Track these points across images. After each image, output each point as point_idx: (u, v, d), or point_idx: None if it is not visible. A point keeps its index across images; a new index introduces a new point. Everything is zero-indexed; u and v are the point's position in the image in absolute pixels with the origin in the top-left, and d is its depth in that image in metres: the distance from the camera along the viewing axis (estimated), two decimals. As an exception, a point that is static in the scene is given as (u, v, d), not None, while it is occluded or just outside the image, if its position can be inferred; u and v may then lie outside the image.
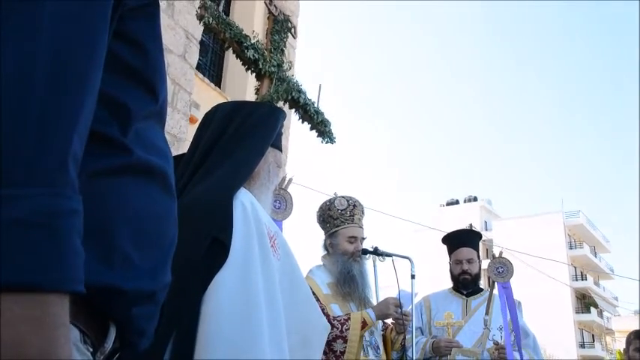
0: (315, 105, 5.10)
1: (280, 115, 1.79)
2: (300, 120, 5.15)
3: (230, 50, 4.72)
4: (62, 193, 0.47)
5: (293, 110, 5.16)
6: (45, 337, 0.44)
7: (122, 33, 0.61)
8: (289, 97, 4.79)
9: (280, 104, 4.75)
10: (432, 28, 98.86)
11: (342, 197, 2.98)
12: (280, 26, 4.94)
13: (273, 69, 4.66)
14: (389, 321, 2.90)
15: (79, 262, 0.47)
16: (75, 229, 0.47)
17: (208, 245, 1.39)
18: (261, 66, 4.60)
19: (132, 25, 0.63)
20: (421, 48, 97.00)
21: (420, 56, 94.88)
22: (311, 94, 5.06)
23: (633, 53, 74.29)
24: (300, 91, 4.89)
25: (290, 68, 5.00)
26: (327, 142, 5.29)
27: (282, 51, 4.90)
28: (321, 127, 5.19)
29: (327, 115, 5.23)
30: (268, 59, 4.67)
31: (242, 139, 1.65)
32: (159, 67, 0.69)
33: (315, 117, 5.09)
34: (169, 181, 0.72)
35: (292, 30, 5.12)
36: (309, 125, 5.18)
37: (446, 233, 3.81)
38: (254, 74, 4.77)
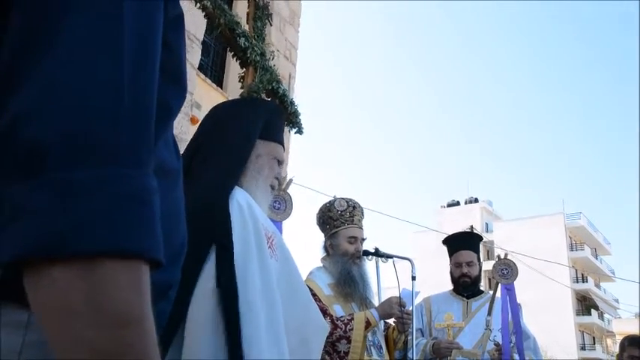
0: (290, 96, 5.22)
1: (259, 106, 1.74)
2: None
3: (231, 52, 4.73)
4: (152, 175, 0.54)
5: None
6: (144, 302, 0.50)
7: (164, 42, 0.66)
8: (269, 87, 4.84)
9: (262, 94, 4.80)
10: (433, 25, 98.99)
11: (342, 199, 2.99)
12: (261, 12, 4.93)
13: (257, 58, 4.68)
14: (391, 321, 2.91)
15: (161, 235, 0.53)
16: (159, 206, 0.54)
17: (216, 251, 1.39)
18: (249, 54, 4.61)
19: (169, 35, 0.69)
20: (421, 47, 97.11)
21: (419, 56, 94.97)
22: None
23: (633, 54, 74.29)
24: (278, 81, 4.96)
25: (273, 58, 5.02)
26: (296, 132, 5.41)
27: (264, 39, 4.91)
28: (292, 117, 5.30)
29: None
30: (255, 48, 4.69)
31: (222, 137, 1.62)
32: (185, 71, 0.77)
33: (290, 107, 5.20)
34: (180, 180, 0.76)
35: (269, 17, 5.12)
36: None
37: (446, 235, 3.82)
38: (238, 62, 4.79)
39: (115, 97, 0.52)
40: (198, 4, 4.29)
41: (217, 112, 1.72)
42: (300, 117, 5.39)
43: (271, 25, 5.47)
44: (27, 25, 0.54)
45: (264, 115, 1.70)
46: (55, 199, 0.48)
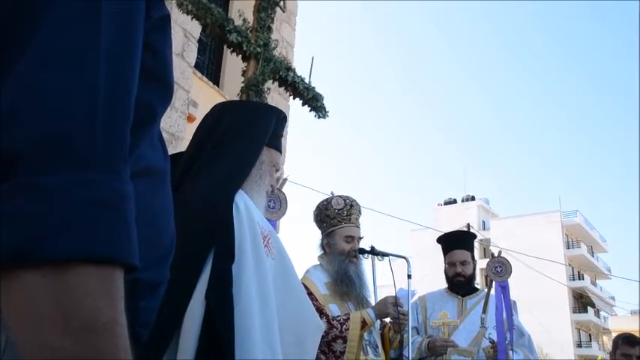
0: (307, 79, 5.06)
1: (273, 114, 1.77)
2: (292, 97, 5.13)
3: (228, 48, 4.69)
4: (126, 180, 0.54)
5: (284, 89, 5.14)
6: (114, 307, 0.50)
7: (146, 43, 0.66)
8: (277, 77, 4.74)
9: (269, 84, 4.72)
10: (434, 22, 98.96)
11: (339, 197, 2.98)
12: (267, 2, 4.86)
13: (258, 49, 4.60)
14: (387, 320, 2.91)
15: (135, 240, 0.53)
16: (133, 211, 0.54)
17: (215, 252, 1.40)
18: (245, 48, 4.55)
19: (153, 36, 0.68)
20: (420, 46, 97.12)
21: (418, 54, 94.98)
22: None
23: (633, 51, 74.46)
24: (288, 69, 4.84)
25: (276, 46, 4.93)
26: (319, 117, 5.27)
27: (269, 28, 4.83)
28: (312, 102, 5.17)
29: (318, 90, 5.20)
30: (253, 40, 4.60)
31: (233, 138, 1.64)
32: (172, 71, 0.77)
33: (306, 93, 5.07)
34: (167, 179, 0.76)
35: (281, 3, 5.03)
36: (301, 102, 5.17)
37: (441, 233, 3.82)
38: (239, 56, 4.73)
39: (90, 102, 0.52)
40: (181, 9, 4.27)
41: (227, 113, 1.73)
42: (322, 101, 5.21)
43: (283, 11, 5.39)
44: (6, 22, 0.54)
45: (274, 123, 1.74)
46: (26, 203, 0.48)
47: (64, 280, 0.47)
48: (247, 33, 4.61)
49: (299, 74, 5.03)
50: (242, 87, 4.64)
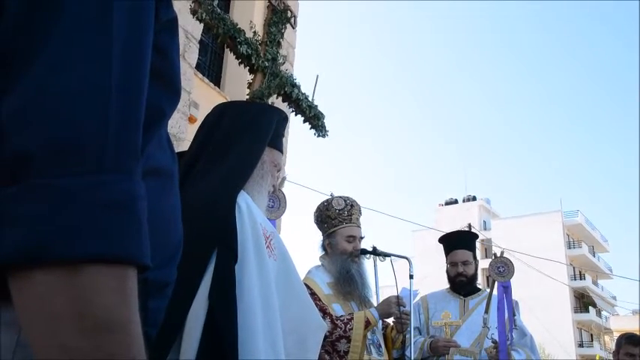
0: (311, 96, 5.08)
1: (274, 114, 1.77)
2: (294, 113, 5.15)
3: (237, 59, 4.70)
4: (138, 180, 0.54)
5: (287, 105, 5.15)
6: (128, 306, 0.50)
7: (155, 44, 0.66)
8: (282, 92, 4.75)
9: (273, 99, 4.72)
10: (434, 22, 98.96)
11: (340, 197, 2.99)
12: (279, 17, 4.88)
13: (266, 63, 4.62)
14: (390, 320, 2.92)
15: (148, 239, 0.54)
16: (145, 211, 0.54)
17: (218, 253, 1.40)
18: (253, 61, 4.57)
19: (162, 38, 0.69)
20: (420, 46, 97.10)
21: (419, 55, 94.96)
22: (308, 86, 5.03)
23: (633, 51, 74.41)
24: (293, 85, 4.85)
25: (284, 62, 4.95)
26: (319, 136, 5.28)
27: (279, 43, 4.85)
28: (313, 120, 5.18)
29: (320, 109, 5.23)
30: (262, 54, 4.62)
31: (234, 139, 1.64)
32: (179, 73, 0.77)
33: (308, 111, 5.08)
34: (175, 180, 0.77)
35: (292, 20, 5.05)
36: (303, 119, 5.19)
37: (443, 234, 3.82)
38: (247, 68, 4.74)
39: (102, 103, 0.52)
40: (196, 17, 4.27)
41: (229, 113, 1.73)
42: (323, 120, 5.23)
43: (293, 28, 5.41)
44: (18, 23, 0.53)
45: (275, 123, 1.74)
46: (39, 205, 0.48)
47: (77, 280, 0.47)
48: (257, 46, 4.64)
49: (304, 91, 5.06)
50: (247, 99, 4.64)
